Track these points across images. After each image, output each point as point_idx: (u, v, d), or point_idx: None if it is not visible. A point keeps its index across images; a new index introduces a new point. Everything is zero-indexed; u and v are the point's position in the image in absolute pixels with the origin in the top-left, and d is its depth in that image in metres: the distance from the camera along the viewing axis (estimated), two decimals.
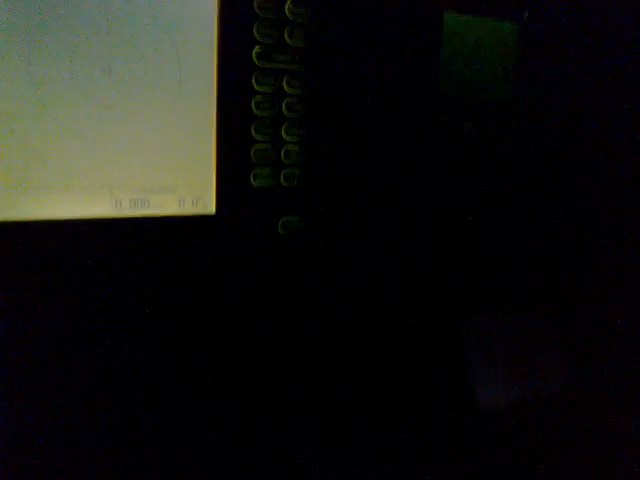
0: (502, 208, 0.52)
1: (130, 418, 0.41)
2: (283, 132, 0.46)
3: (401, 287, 0.49)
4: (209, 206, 0.45)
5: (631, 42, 0.54)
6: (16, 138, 0.38)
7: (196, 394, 0.43)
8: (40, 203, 0.39)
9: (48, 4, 0.37)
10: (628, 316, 0.56)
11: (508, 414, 0.51)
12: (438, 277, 0.50)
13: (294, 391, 0.46)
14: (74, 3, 0.38)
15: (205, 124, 0.44)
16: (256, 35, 0.44)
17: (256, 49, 0.44)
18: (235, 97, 0.44)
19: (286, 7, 0.45)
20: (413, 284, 0.49)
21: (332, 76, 0.47)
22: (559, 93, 0.53)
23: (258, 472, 0.44)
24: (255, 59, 0.44)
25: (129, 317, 0.42)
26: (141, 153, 0.43)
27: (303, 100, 0.46)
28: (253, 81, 0.44)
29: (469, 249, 0.51)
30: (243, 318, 0.46)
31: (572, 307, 0.56)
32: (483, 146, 0.51)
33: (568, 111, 0.54)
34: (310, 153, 0.46)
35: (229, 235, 0.45)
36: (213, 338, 0.44)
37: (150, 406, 0.42)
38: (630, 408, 0.54)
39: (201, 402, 0.43)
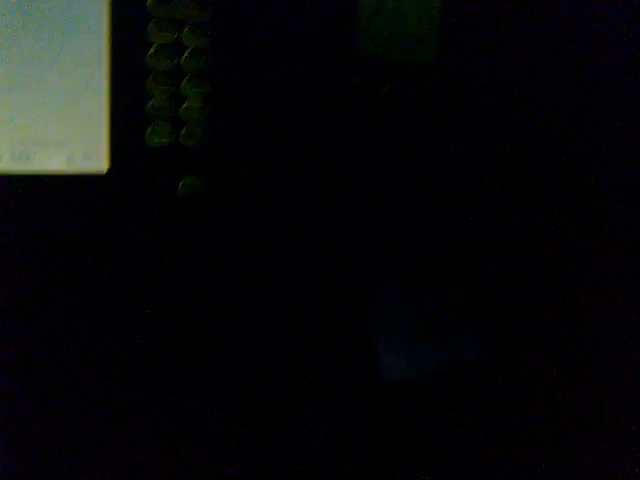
0: (421, 175, 0.51)
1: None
2: (183, 87, 0.43)
3: (304, 252, 0.47)
4: (101, 164, 0.43)
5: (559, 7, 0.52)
6: None
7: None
8: None
9: None
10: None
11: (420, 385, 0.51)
12: (344, 244, 0.48)
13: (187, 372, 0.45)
14: None
15: (96, 75, 0.42)
16: None
17: None
18: (129, 46, 0.41)
19: None
20: (317, 250, 0.47)
21: (239, 28, 0.44)
22: (486, 55, 0.51)
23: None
24: (152, 6, 0.41)
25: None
26: (25, 102, 0.40)
27: (205, 53, 0.43)
28: (149, 30, 0.41)
29: (379, 216, 0.50)
30: (137, 287, 0.44)
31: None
32: (402, 110, 0.49)
33: (497, 76, 0.52)
34: (212, 110, 0.44)
35: (122, 195, 0.42)
36: (103, 310, 0.42)
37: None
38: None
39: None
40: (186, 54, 0.43)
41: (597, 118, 0.53)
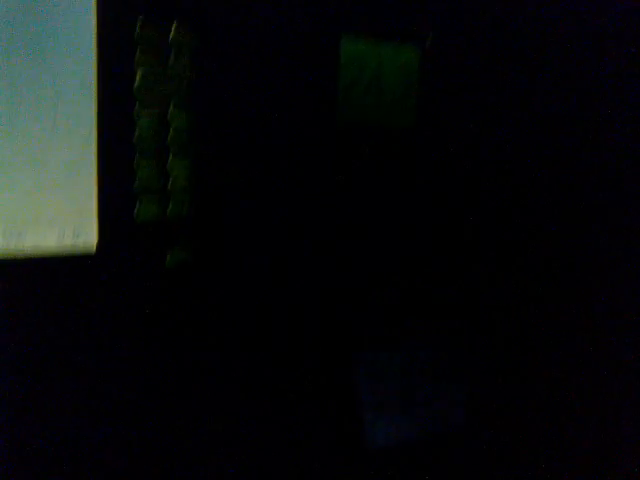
0: (401, 240, 0.52)
1: None
2: (169, 163, 0.44)
3: (290, 320, 0.48)
4: (91, 240, 0.44)
5: (530, 67, 0.54)
6: None
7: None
8: None
9: None
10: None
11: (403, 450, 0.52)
12: (328, 309, 0.49)
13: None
14: None
15: (86, 156, 0.43)
16: (138, 63, 0.42)
17: (138, 77, 0.42)
18: (117, 127, 0.42)
19: (171, 31, 0.43)
20: (302, 316, 0.49)
21: (221, 105, 0.45)
22: (463, 116, 0.52)
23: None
24: (137, 87, 0.42)
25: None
26: (17, 183, 0.41)
27: (190, 130, 0.45)
28: (135, 110, 0.43)
29: (362, 283, 0.51)
30: (130, 360, 0.45)
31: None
32: (384, 172, 0.50)
33: (473, 134, 0.53)
34: (198, 183, 0.45)
35: (112, 269, 0.43)
36: (95, 385, 0.43)
37: None
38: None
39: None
40: (171, 131, 0.44)
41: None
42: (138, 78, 0.42)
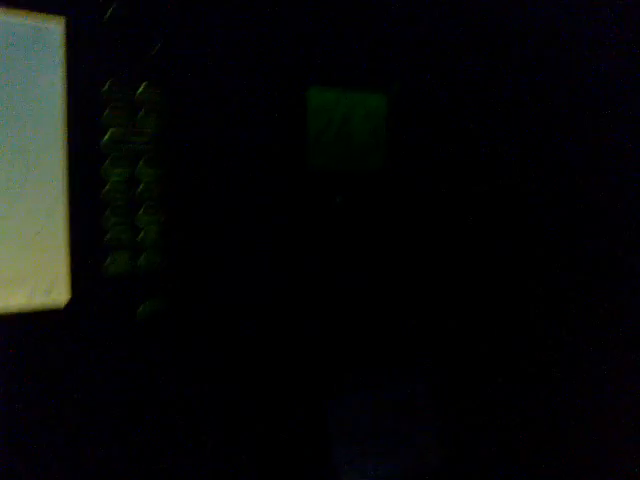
0: (375, 281, 0.52)
1: None
2: (139, 216, 0.45)
3: (260, 366, 0.48)
4: (61, 297, 0.44)
5: (492, 107, 0.55)
6: None
7: None
8: None
9: None
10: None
11: None
12: (305, 349, 0.49)
13: None
14: None
15: (55, 212, 0.43)
16: (106, 121, 0.43)
17: (107, 135, 0.43)
18: (86, 183, 0.43)
19: (138, 91, 0.44)
20: (273, 363, 0.49)
21: (190, 156, 0.46)
22: (430, 159, 0.53)
23: None
24: (106, 145, 0.43)
25: None
26: None
27: (160, 185, 0.45)
28: (105, 166, 0.43)
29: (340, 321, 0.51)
30: (104, 410, 0.45)
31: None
32: (354, 218, 0.51)
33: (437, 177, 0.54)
34: (170, 235, 0.45)
35: (84, 324, 0.43)
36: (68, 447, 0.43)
37: None
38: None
39: None
40: (141, 187, 0.44)
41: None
42: (107, 136, 0.43)
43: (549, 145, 0.56)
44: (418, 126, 0.52)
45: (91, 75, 0.42)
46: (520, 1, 0.54)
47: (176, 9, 0.44)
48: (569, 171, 0.56)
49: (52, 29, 0.41)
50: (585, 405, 0.55)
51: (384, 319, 0.52)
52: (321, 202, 0.49)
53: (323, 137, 0.49)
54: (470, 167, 0.54)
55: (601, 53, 0.54)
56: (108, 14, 0.41)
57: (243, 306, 0.47)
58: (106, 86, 0.42)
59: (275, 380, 0.49)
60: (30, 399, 0.42)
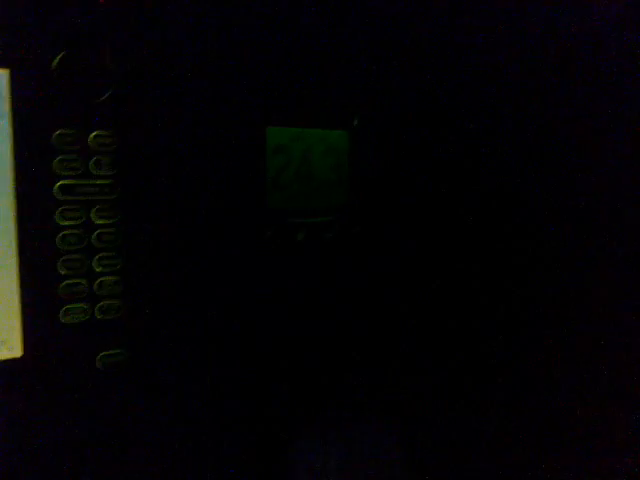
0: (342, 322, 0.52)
1: None
2: (95, 265, 0.44)
3: (223, 412, 0.47)
4: (15, 349, 0.43)
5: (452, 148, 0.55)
6: None
7: None
8: None
9: None
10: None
11: None
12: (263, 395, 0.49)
13: None
14: None
15: (5, 264, 0.42)
16: (57, 170, 0.42)
17: (58, 183, 0.42)
18: (37, 234, 0.42)
19: (89, 138, 0.43)
20: (236, 406, 0.48)
21: (148, 203, 0.45)
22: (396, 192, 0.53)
23: None
24: (57, 194, 0.42)
25: None
26: None
27: (115, 229, 0.44)
28: (57, 216, 0.42)
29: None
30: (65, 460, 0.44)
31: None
32: (318, 257, 0.50)
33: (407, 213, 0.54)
34: (128, 283, 0.45)
35: (40, 377, 0.43)
36: None
37: None
38: None
39: None
40: (95, 233, 0.44)
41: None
42: (58, 184, 0.42)
43: (521, 176, 0.56)
44: (382, 160, 0.52)
45: (40, 124, 0.41)
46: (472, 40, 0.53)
47: (127, 54, 0.44)
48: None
49: None
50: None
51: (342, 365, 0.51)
52: (283, 241, 0.49)
53: (283, 176, 0.49)
54: (437, 199, 0.54)
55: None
56: (55, 63, 0.41)
57: (203, 353, 0.47)
58: (55, 134, 0.42)
59: (236, 426, 0.48)
60: None
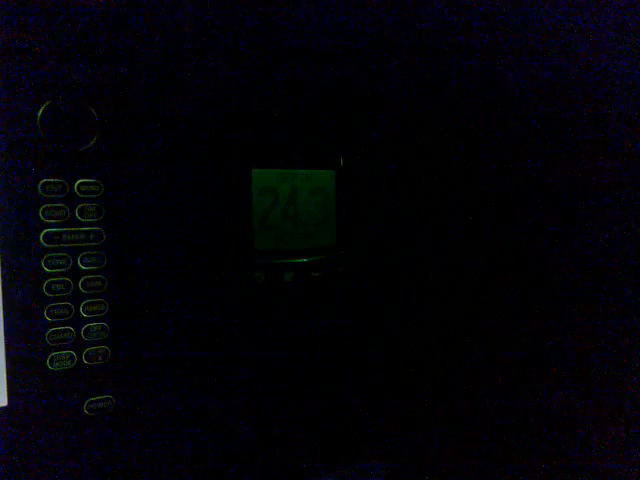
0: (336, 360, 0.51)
1: None
2: (82, 311, 0.44)
3: (219, 460, 0.47)
4: (0, 398, 0.43)
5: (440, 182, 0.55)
6: None
7: None
8: None
9: None
10: None
11: None
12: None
13: None
14: None
15: None
16: (43, 218, 0.42)
17: (44, 231, 0.42)
18: (23, 281, 0.42)
19: (75, 186, 0.43)
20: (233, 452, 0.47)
21: (134, 248, 0.45)
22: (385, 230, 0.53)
23: None
24: (43, 241, 0.42)
25: None
26: None
27: (103, 277, 0.44)
28: (43, 263, 0.42)
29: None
30: None
31: None
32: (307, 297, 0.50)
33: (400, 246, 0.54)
34: (115, 329, 0.45)
35: (27, 425, 0.42)
36: None
37: None
38: None
39: None
40: (82, 279, 0.44)
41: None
42: (44, 232, 0.42)
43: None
44: (370, 198, 0.52)
45: (25, 173, 0.42)
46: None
47: (113, 102, 0.44)
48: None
49: None
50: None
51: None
52: (271, 283, 0.49)
53: (270, 216, 0.49)
54: (423, 238, 0.54)
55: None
56: (39, 113, 0.41)
57: (191, 398, 0.47)
58: (40, 183, 0.42)
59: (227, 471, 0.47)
60: None
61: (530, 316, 0.54)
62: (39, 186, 0.42)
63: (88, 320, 0.44)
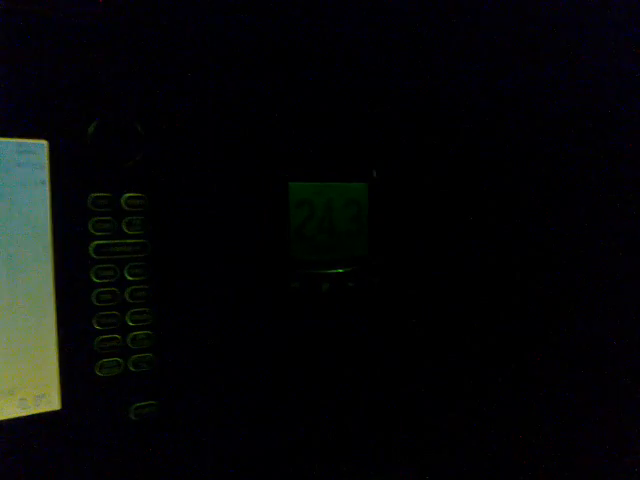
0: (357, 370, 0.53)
1: None
2: (128, 320, 0.46)
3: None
4: (53, 403, 0.45)
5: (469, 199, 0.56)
6: None
7: None
8: None
9: None
10: None
11: None
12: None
13: None
14: None
15: (44, 321, 0.44)
16: (92, 230, 0.44)
17: (94, 243, 0.44)
18: (74, 291, 0.44)
19: (122, 200, 0.45)
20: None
21: (178, 259, 0.47)
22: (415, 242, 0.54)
23: None
24: (93, 253, 0.44)
25: None
26: None
27: (148, 287, 0.46)
28: (92, 274, 0.44)
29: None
30: None
31: None
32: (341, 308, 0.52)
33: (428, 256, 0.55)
34: (160, 337, 0.46)
35: (77, 429, 0.44)
36: None
37: None
38: None
39: None
40: (128, 289, 0.46)
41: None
42: (93, 244, 0.44)
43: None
44: (401, 210, 0.53)
45: (76, 189, 0.43)
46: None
47: (158, 118, 0.46)
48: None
49: (37, 151, 0.43)
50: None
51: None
52: (306, 293, 0.50)
53: (306, 229, 0.50)
54: (456, 248, 0.55)
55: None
56: (90, 130, 0.43)
57: (233, 404, 0.48)
58: (90, 198, 0.44)
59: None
60: None
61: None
62: (89, 200, 0.44)
63: (134, 328, 0.46)
